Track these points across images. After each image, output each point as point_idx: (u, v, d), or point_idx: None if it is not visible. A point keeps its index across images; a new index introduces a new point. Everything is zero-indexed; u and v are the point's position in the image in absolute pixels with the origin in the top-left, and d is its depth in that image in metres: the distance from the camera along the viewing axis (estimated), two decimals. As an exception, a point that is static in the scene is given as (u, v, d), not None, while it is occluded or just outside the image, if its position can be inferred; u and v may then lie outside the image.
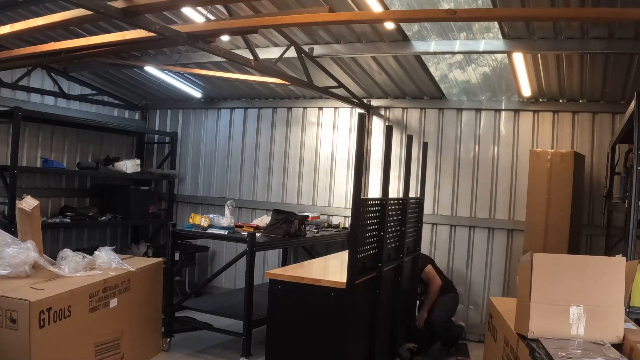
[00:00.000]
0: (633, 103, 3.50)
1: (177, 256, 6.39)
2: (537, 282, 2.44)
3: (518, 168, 5.95)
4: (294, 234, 5.36)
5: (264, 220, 5.86)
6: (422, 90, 6.24)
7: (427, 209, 6.32)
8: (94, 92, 7.31)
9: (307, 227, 6.00)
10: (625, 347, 2.36)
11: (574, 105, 5.78)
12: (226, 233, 5.18)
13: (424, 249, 6.33)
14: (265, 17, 4.08)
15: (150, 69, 6.18)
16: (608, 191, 5.05)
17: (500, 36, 4.55)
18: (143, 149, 7.99)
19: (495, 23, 4.33)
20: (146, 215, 7.47)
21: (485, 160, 6.11)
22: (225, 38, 4.93)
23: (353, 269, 3.57)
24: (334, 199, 6.87)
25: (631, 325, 2.54)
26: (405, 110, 6.53)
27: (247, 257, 4.78)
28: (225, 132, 7.56)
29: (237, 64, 4.97)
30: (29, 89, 6.51)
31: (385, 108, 6.63)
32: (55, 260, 3.90)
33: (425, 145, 5.66)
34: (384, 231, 4.18)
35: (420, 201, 5.51)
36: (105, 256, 4.27)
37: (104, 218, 6.90)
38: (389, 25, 4.45)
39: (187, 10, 4.49)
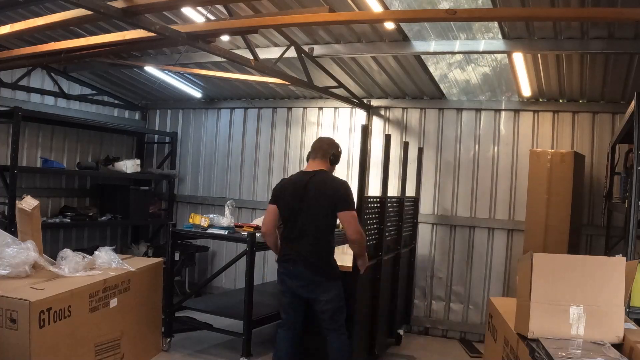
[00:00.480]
0: (633, 103, 3.49)
1: (177, 256, 6.39)
2: (537, 282, 2.44)
3: (518, 168, 5.95)
4: (294, 234, 5.35)
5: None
6: (422, 90, 6.24)
7: (427, 209, 6.33)
8: (94, 92, 7.31)
9: (307, 227, 6.00)
10: (625, 347, 2.36)
11: (574, 105, 5.78)
12: (226, 233, 5.18)
13: (424, 249, 6.34)
14: (265, 17, 4.08)
15: (150, 69, 6.18)
16: (608, 191, 5.05)
17: (500, 36, 4.55)
18: (143, 149, 7.99)
19: (495, 23, 4.34)
20: (146, 215, 7.47)
21: (485, 161, 6.11)
22: (225, 38, 4.93)
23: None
24: (334, 199, 6.86)
25: (631, 325, 2.54)
26: (405, 110, 6.53)
27: (247, 257, 4.78)
28: (225, 132, 7.56)
29: (237, 64, 4.97)
30: (29, 89, 6.51)
31: (385, 108, 6.63)
32: (55, 260, 3.90)
33: (420, 150, 6.01)
34: (383, 224, 4.84)
35: (416, 200, 6.01)
36: (105, 256, 4.27)
37: (104, 218, 6.90)
38: (389, 25, 4.45)
39: (187, 10, 4.49)
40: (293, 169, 7.09)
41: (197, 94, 7.39)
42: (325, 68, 5.61)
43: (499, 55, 4.97)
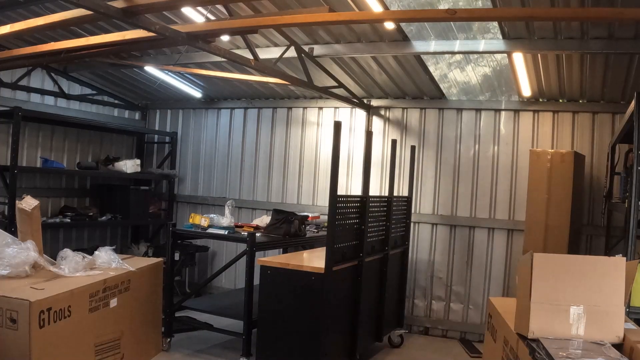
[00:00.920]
0: (633, 103, 3.49)
1: (177, 256, 6.39)
2: (538, 282, 2.44)
3: (518, 168, 5.95)
4: (294, 234, 5.36)
5: (264, 220, 5.86)
6: (422, 90, 6.24)
7: (427, 209, 6.33)
8: (94, 92, 7.31)
9: (307, 227, 5.99)
10: (625, 347, 2.36)
11: (574, 105, 5.78)
12: (226, 233, 5.18)
13: (424, 249, 6.34)
14: (265, 17, 4.08)
15: (150, 69, 6.18)
16: (608, 191, 5.05)
17: (500, 36, 4.55)
18: (143, 149, 7.99)
19: (495, 23, 4.33)
20: (146, 215, 7.47)
21: (485, 160, 6.11)
22: (225, 38, 4.93)
23: (331, 257, 4.19)
24: (334, 199, 6.86)
25: (631, 325, 2.54)
26: (405, 110, 6.53)
27: (247, 257, 4.78)
28: (225, 132, 7.56)
29: (237, 64, 4.97)
30: (29, 89, 6.51)
31: (385, 108, 6.63)
32: (55, 260, 3.90)
33: (413, 148, 5.98)
34: (364, 225, 4.74)
35: (408, 199, 5.91)
36: (105, 256, 4.26)
37: (104, 218, 6.89)
38: (389, 25, 4.45)
39: (187, 10, 4.49)
40: (293, 169, 7.11)
41: (197, 94, 7.39)
42: (325, 68, 5.61)
43: (499, 55, 4.97)
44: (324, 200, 6.90)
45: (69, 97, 6.94)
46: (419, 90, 6.26)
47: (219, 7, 4.41)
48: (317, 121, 7.00)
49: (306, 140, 7.05)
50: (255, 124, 7.37)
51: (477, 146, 6.14)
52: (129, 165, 7.04)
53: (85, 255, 4.13)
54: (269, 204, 6.97)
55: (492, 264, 6.05)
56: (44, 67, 6.49)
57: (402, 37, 4.86)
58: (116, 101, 7.70)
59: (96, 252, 4.30)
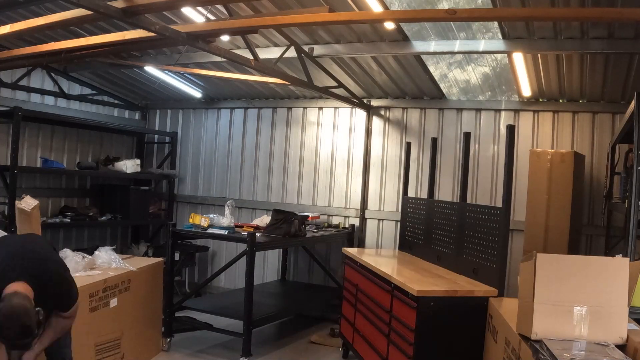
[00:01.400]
0: (633, 103, 3.49)
1: (177, 256, 6.39)
2: (541, 282, 2.43)
3: (518, 168, 5.90)
4: (294, 234, 5.36)
5: (264, 220, 5.86)
6: (422, 90, 6.24)
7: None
8: (94, 92, 7.30)
9: (307, 227, 6.00)
10: (629, 348, 2.35)
11: (574, 105, 5.78)
12: (226, 233, 5.18)
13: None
14: (265, 17, 4.07)
15: (150, 69, 6.17)
16: (608, 191, 5.05)
17: (500, 36, 4.54)
18: (143, 149, 7.98)
19: (495, 23, 4.33)
20: (146, 215, 7.47)
21: (485, 160, 6.11)
22: (225, 38, 4.92)
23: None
24: (334, 199, 6.87)
25: (634, 326, 2.53)
26: (405, 110, 6.53)
27: (247, 257, 4.78)
28: (225, 132, 7.56)
29: (237, 64, 4.97)
30: (29, 89, 6.50)
31: (385, 108, 6.63)
32: (56, 260, 3.89)
33: (408, 144, 5.91)
34: None
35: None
36: (105, 256, 4.27)
37: (104, 218, 6.89)
38: (389, 25, 4.45)
39: (187, 10, 4.48)
40: (293, 169, 7.10)
41: (197, 94, 7.39)
42: (325, 68, 5.60)
43: (499, 55, 4.97)
44: (323, 200, 6.91)
45: (69, 97, 6.93)
46: (419, 90, 6.25)
47: (219, 7, 4.41)
48: (317, 121, 7.00)
49: (306, 140, 7.04)
50: (255, 124, 7.37)
51: (477, 146, 6.13)
52: (129, 165, 7.03)
53: (85, 255, 4.13)
54: (269, 204, 6.96)
55: (492, 264, 6.04)
56: (44, 67, 6.48)
57: (402, 37, 4.86)
58: (116, 101, 7.69)
59: (96, 252, 4.31)
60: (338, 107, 6.85)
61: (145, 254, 7.28)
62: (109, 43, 4.33)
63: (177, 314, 5.25)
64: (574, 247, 5.23)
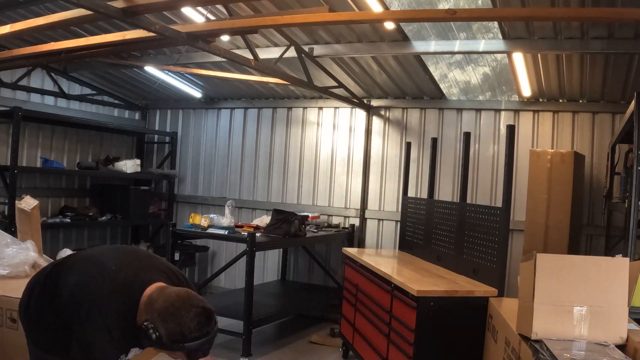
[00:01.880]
0: (633, 103, 3.49)
1: (177, 256, 6.39)
2: (541, 282, 2.43)
3: (518, 168, 5.90)
4: (294, 234, 5.36)
5: (264, 220, 5.86)
6: (422, 90, 6.24)
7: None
8: (94, 92, 7.30)
9: (307, 227, 6.00)
10: (629, 348, 2.35)
11: (574, 105, 5.78)
12: (226, 233, 5.18)
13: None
14: (265, 17, 4.07)
15: (150, 69, 6.17)
16: (608, 191, 5.05)
17: (500, 36, 4.54)
18: (143, 149, 7.98)
19: (495, 23, 4.33)
20: (146, 215, 7.47)
21: (485, 160, 6.10)
22: (225, 38, 4.92)
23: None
24: (334, 199, 6.87)
25: (634, 326, 2.53)
26: (405, 110, 6.53)
27: (247, 257, 4.78)
28: (225, 132, 7.56)
29: (237, 64, 4.97)
30: (29, 89, 6.50)
31: (385, 108, 6.63)
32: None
33: (408, 144, 5.90)
34: None
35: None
36: (105, 256, 4.26)
37: (104, 218, 6.89)
38: (389, 25, 4.45)
39: (187, 10, 4.48)
40: (293, 169, 7.10)
41: (197, 94, 7.39)
42: (325, 68, 5.60)
43: (499, 55, 4.97)
44: (323, 200, 6.91)
45: (69, 97, 6.93)
46: (419, 90, 6.25)
47: (219, 7, 4.40)
48: (317, 121, 7.00)
49: (306, 140, 7.04)
50: (255, 124, 7.37)
51: (477, 146, 6.13)
52: (129, 165, 7.04)
53: (86, 255, 4.12)
54: (269, 204, 6.96)
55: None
56: (44, 67, 6.48)
57: (402, 37, 4.86)
58: (116, 101, 7.69)
59: (96, 252, 4.29)
60: (338, 107, 6.85)
61: (145, 254, 7.27)
62: (109, 43, 4.33)
63: (177, 314, 5.24)
64: (574, 247, 5.23)
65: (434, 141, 5.54)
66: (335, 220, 6.79)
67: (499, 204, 5.95)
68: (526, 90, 5.52)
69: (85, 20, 3.59)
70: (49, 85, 6.76)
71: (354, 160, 6.75)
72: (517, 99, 5.94)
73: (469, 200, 6.03)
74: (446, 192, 6.25)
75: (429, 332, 3.56)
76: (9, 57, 4.98)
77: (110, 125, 7.30)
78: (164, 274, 2.27)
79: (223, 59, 4.89)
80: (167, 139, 7.87)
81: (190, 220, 5.42)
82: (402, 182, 6.03)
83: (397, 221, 6.27)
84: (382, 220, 6.59)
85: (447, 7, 3.95)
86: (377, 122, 6.67)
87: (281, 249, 6.96)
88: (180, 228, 5.49)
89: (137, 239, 7.83)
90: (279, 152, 7.19)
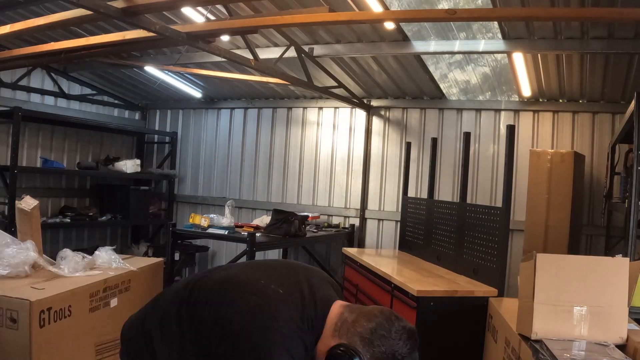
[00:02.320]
0: (633, 103, 3.49)
1: (177, 256, 6.39)
2: (541, 282, 2.43)
3: (518, 168, 5.90)
4: (294, 234, 5.36)
5: (264, 220, 5.86)
6: (422, 90, 6.24)
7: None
8: (94, 92, 7.30)
9: (307, 227, 6.00)
10: (629, 348, 2.35)
11: (574, 105, 5.78)
12: (226, 233, 5.17)
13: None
14: (265, 17, 4.07)
15: (150, 69, 6.17)
16: (608, 191, 5.05)
17: (500, 36, 4.54)
18: (143, 149, 7.98)
19: (495, 23, 4.33)
20: (146, 215, 7.46)
21: (485, 160, 6.10)
22: (225, 38, 4.92)
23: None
24: (334, 199, 6.87)
25: (634, 326, 2.53)
26: (405, 110, 6.53)
27: (247, 257, 4.78)
28: (225, 132, 7.56)
29: (237, 64, 4.97)
30: (29, 89, 6.50)
31: (385, 108, 6.63)
32: (55, 260, 3.90)
33: (408, 144, 5.92)
34: None
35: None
36: (105, 256, 4.26)
37: (104, 218, 6.89)
38: (389, 25, 4.45)
39: (187, 10, 4.48)
40: (293, 169, 7.10)
41: (197, 94, 7.39)
42: (325, 68, 5.60)
43: (499, 55, 4.96)
44: (323, 200, 6.91)
45: (69, 97, 6.93)
46: (419, 90, 6.25)
47: (219, 7, 4.40)
48: (317, 121, 7.00)
49: (306, 140, 7.04)
50: (255, 124, 7.37)
51: (477, 145, 6.13)
52: (129, 165, 7.04)
53: (85, 255, 4.12)
54: (269, 204, 6.96)
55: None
56: (44, 67, 6.48)
57: (402, 37, 4.86)
58: (116, 101, 7.69)
59: (96, 252, 4.29)
60: (338, 107, 6.85)
61: (145, 254, 7.28)
62: (109, 43, 4.33)
63: (177, 314, 5.24)
64: (574, 247, 5.23)
65: (434, 141, 5.54)
66: (335, 220, 6.79)
67: (499, 204, 5.97)
68: (526, 90, 5.52)
69: (85, 20, 3.59)
70: (49, 85, 6.76)
71: (354, 160, 6.75)
72: (517, 99, 5.94)
73: (469, 200, 6.03)
74: (446, 192, 6.24)
75: (429, 332, 3.56)
76: (9, 57, 4.98)
77: (110, 125, 7.30)
78: (332, 287, 1.92)
79: (223, 59, 4.89)
80: (167, 139, 7.88)
81: (190, 220, 5.42)
82: (402, 182, 6.04)
83: (397, 221, 6.27)
84: (382, 220, 6.59)
85: (447, 7, 3.95)
86: (377, 122, 6.67)
87: (281, 249, 6.96)
88: (180, 228, 5.48)
89: (137, 239, 7.83)
90: (279, 152, 7.19)
